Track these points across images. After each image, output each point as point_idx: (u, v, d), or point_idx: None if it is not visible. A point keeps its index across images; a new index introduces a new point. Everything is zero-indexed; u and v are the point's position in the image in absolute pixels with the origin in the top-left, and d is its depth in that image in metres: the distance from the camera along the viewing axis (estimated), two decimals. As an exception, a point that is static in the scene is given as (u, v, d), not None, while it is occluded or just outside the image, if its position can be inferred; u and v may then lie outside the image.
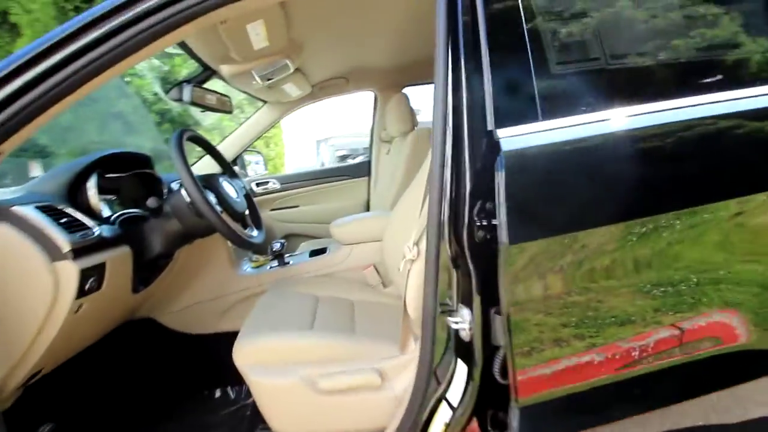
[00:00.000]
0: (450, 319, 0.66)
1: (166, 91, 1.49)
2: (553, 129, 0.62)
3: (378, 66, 2.09)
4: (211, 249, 1.58)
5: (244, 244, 1.13)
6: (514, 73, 0.65)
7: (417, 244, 0.96)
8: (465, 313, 0.65)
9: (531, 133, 0.62)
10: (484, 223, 0.62)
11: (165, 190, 1.30)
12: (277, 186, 2.53)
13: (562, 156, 0.63)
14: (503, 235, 0.59)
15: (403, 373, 0.96)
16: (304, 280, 1.52)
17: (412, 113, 1.99)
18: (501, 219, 0.59)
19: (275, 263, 1.65)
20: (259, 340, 1.03)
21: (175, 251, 1.28)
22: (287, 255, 1.73)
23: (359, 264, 1.62)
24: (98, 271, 0.97)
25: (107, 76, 0.72)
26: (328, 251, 1.68)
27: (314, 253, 1.70)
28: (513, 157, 0.60)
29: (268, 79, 1.64)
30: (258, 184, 2.51)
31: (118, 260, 1.05)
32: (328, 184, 2.57)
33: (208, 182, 1.18)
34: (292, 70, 1.66)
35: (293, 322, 1.12)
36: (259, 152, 2.66)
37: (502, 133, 0.62)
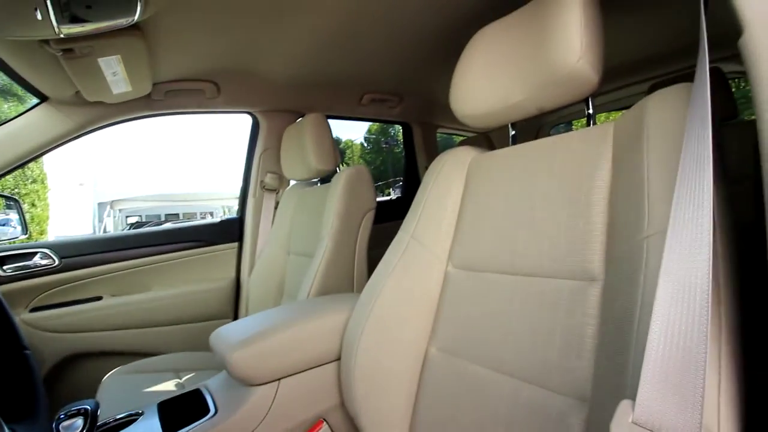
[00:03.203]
0: None
1: None
2: None
3: (274, 77, 1.37)
4: None
5: None
6: None
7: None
8: None
9: None
10: None
11: None
12: (54, 262, 1.33)
13: None
14: None
15: None
16: None
17: (335, 146, 1.31)
18: None
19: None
20: None
21: None
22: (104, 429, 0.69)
23: (293, 423, 0.76)
24: None
25: None
26: (211, 406, 0.74)
27: (170, 415, 0.73)
28: None
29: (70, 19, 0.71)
30: (4, 258, 1.26)
31: None
32: (161, 256, 1.52)
33: None
34: (135, 19, 0.79)
35: None
36: (11, 197, 1.41)
37: None
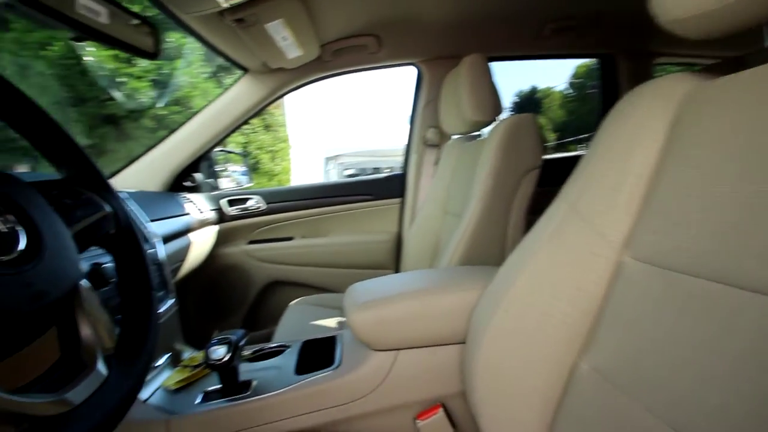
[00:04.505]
0: None
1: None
2: None
3: (437, 19, 1.23)
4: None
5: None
6: None
7: None
8: None
9: None
10: None
11: None
12: (262, 206, 1.65)
13: None
14: None
15: None
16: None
17: (496, 92, 1.11)
18: None
19: (215, 389, 0.73)
20: None
21: None
22: (250, 355, 0.82)
23: (408, 399, 0.71)
24: None
25: None
26: (337, 358, 0.77)
27: (306, 359, 0.79)
28: None
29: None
30: (232, 201, 1.63)
31: None
32: (338, 207, 1.69)
33: None
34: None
35: None
36: (241, 153, 1.80)
37: None
